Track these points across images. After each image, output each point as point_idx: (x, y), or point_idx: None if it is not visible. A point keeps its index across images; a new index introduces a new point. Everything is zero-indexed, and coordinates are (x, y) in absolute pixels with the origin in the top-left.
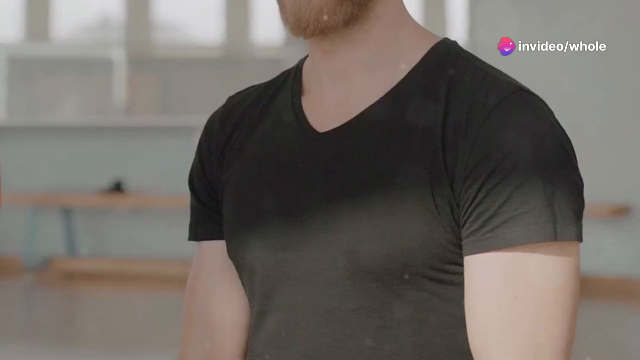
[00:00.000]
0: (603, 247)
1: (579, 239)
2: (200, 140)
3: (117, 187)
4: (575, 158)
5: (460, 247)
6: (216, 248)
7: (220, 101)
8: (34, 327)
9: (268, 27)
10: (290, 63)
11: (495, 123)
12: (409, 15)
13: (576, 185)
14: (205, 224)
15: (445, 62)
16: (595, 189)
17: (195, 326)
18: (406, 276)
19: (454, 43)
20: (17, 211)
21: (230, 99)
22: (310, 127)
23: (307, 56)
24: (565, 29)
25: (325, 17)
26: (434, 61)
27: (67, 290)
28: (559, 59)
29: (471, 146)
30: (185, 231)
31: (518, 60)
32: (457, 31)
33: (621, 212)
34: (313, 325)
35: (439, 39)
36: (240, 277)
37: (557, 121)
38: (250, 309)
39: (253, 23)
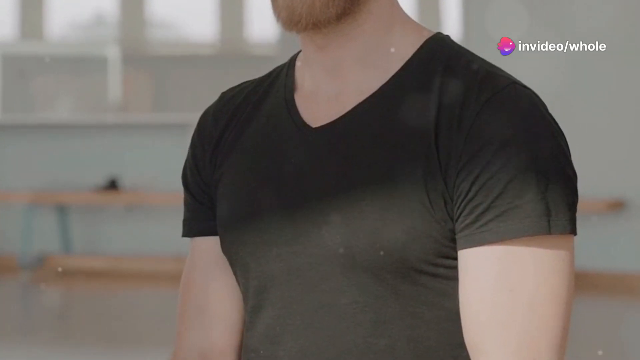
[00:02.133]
0: (599, 242)
1: (573, 232)
2: (193, 136)
3: (112, 185)
4: (569, 151)
5: (454, 241)
6: (210, 244)
7: (215, 98)
8: (29, 325)
9: (262, 24)
10: (284, 60)
11: (488, 117)
12: (401, 10)
13: (569, 178)
14: (198, 220)
15: (438, 56)
16: (591, 183)
17: (190, 322)
18: (400, 271)
19: (447, 37)
20: (12, 209)
21: (223, 94)
22: (303, 122)
23: (300, 51)
24: (565, 29)
25: (317, 11)
26: (426, 55)
27: (63, 287)
28: (559, 59)
29: (464, 140)
30: (180, 228)
31: (518, 60)
32: (452, 28)
33: (616, 206)
34: (308, 321)
35: (431, 34)
36: (235, 273)
37: (550, 114)
38: (245, 304)
39: (247, 20)
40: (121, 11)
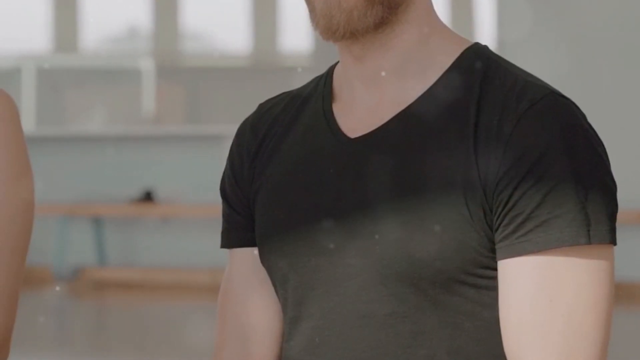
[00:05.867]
0: (634, 252)
1: (613, 242)
2: (232, 146)
3: (147, 197)
4: (609, 161)
5: (493, 251)
6: (248, 255)
7: (248, 110)
8: (64, 337)
9: (295, 35)
10: (317, 71)
11: (527, 127)
12: (439, 20)
13: (609, 188)
14: (237, 231)
15: (476, 67)
16: (625, 193)
17: (229, 333)
18: (439, 281)
19: (485, 47)
20: (47, 221)
21: (262, 105)
22: (341, 132)
23: (337, 62)
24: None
25: (355, 20)
26: (464, 66)
27: (98, 299)
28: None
29: (504, 150)
30: (215, 240)
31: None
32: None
33: None
34: (347, 331)
35: (469, 44)
36: (273, 284)
37: (589, 124)
38: (284, 315)
39: (280, 32)
40: (154, 24)
